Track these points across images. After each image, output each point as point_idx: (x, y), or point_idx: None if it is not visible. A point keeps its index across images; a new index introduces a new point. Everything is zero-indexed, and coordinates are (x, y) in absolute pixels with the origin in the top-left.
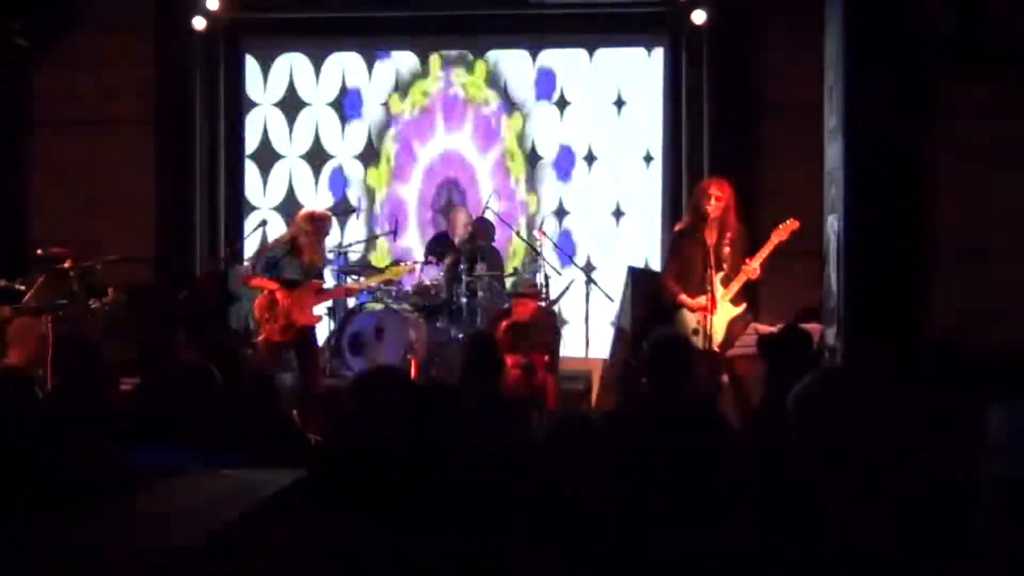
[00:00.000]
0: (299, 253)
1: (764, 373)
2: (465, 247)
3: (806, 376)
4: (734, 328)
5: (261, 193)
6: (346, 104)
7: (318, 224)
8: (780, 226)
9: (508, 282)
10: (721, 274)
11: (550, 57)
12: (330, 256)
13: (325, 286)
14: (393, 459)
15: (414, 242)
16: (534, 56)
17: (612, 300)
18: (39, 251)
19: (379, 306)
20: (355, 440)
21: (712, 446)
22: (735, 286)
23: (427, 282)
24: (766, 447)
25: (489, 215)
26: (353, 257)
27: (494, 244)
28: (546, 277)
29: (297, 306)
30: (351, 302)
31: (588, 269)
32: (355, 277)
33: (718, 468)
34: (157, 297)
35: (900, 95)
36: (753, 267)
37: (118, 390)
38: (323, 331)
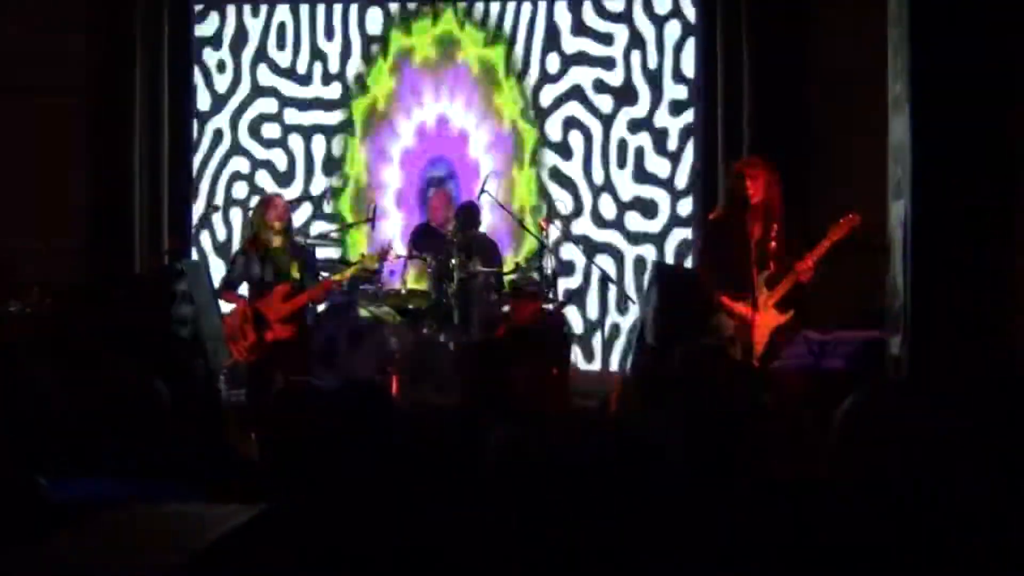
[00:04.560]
0: (255, 254)
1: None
2: (457, 238)
3: (860, 390)
4: (779, 337)
5: (211, 175)
6: (311, 67)
7: (266, 212)
8: (840, 221)
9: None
10: (766, 273)
11: (562, 14)
12: (300, 241)
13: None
14: (372, 493)
15: (396, 231)
16: (545, 11)
17: (634, 302)
18: None
19: (354, 309)
20: (326, 470)
21: (753, 475)
22: (782, 288)
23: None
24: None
25: (485, 199)
26: (324, 252)
27: (486, 233)
28: (553, 274)
29: (263, 319)
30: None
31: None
32: (324, 275)
33: (757, 501)
34: (89, 298)
35: (978, 57)
36: (807, 267)
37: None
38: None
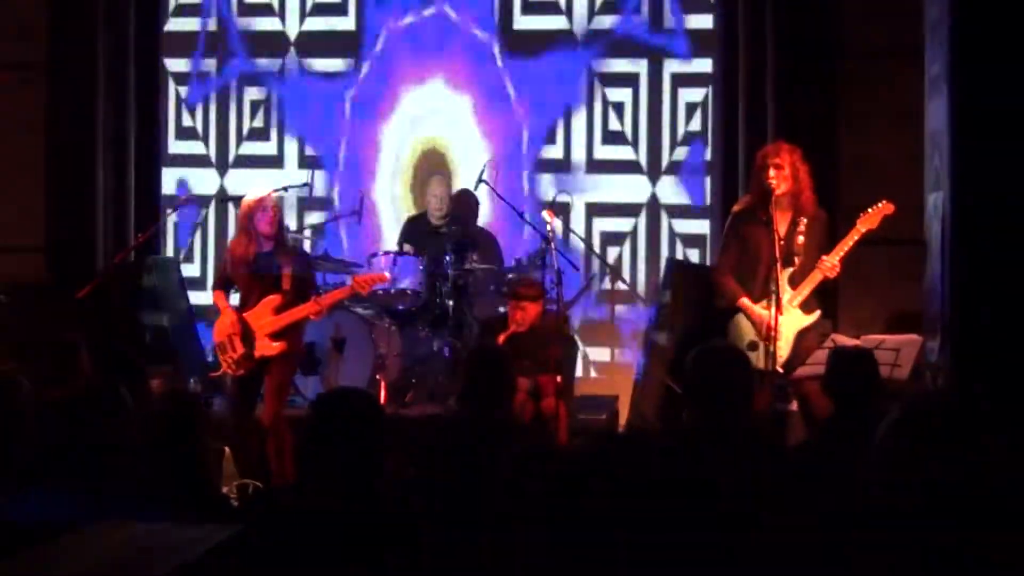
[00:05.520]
0: (243, 259)
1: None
2: (452, 232)
3: (897, 405)
4: (805, 341)
5: (185, 163)
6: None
7: (250, 214)
8: (869, 210)
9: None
10: (790, 270)
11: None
12: (292, 242)
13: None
14: (361, 511)
15: (386, 225)
16: None
17: (645, 303)
18: None
19: (339, 309)
20: (311, 487)
21: (772, 486)
22: (807, 287)
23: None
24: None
25: (483, 189)
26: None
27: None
28: (557, 272)
29: (252, 331)
30: None
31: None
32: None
33: (779, 514)
34: (47, 298)
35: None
36: (832, 263)
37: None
38: None
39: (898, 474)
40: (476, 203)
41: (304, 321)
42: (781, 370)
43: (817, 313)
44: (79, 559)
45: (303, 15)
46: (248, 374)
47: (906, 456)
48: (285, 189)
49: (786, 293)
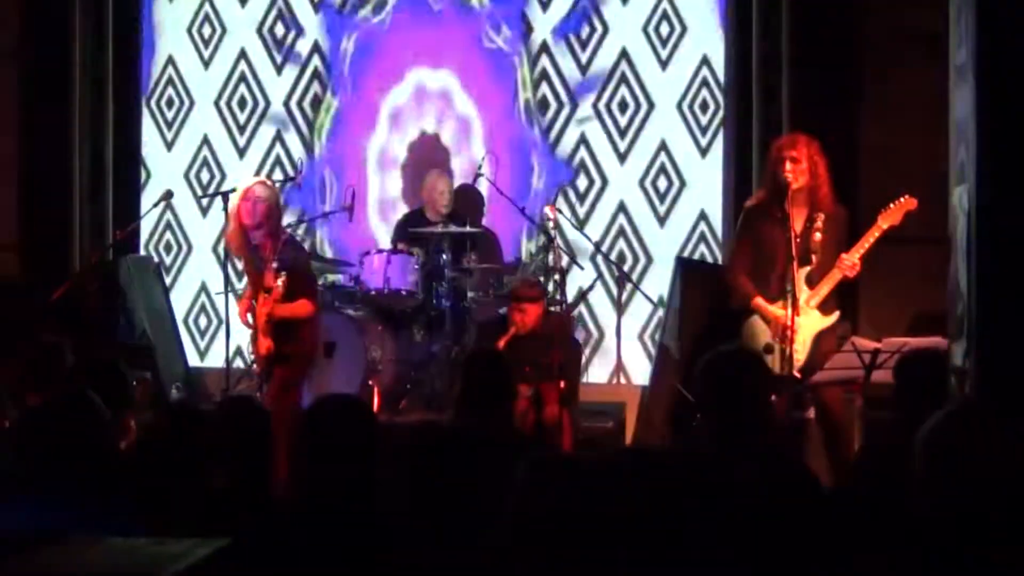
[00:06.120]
0: (234, 252)
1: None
2: (450, 229)
3: (934, 415)
4: (823, 344)
5: (165, 153)
6: (281, 28)
7: (239, 206)
8: (890, 205)
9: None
10: (807, 269)
11: None
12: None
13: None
14: (354, 521)
15: (378, 221)
16: None
17: (655, 304)
18: None
19: (328, 311)
20: (301, 498)
21: (790, 507)
22: (825, 287)
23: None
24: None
25: (482, 184)
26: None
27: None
28: (561, 272)
29: (258, 330)
30: None
31: (621, 261)
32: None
33: (799, 538)
34: (22, 298)
35: None
36: (851, 261)
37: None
38: None
39: (947, 475)
40: (480, 199)
41: (302, 322)
42: (798, 375)
43: (836, 314)
44: (60, 572)
45: None
46: (263, 370)
47: (956, 459)
48: (273, 183)
49: (803, 293)
